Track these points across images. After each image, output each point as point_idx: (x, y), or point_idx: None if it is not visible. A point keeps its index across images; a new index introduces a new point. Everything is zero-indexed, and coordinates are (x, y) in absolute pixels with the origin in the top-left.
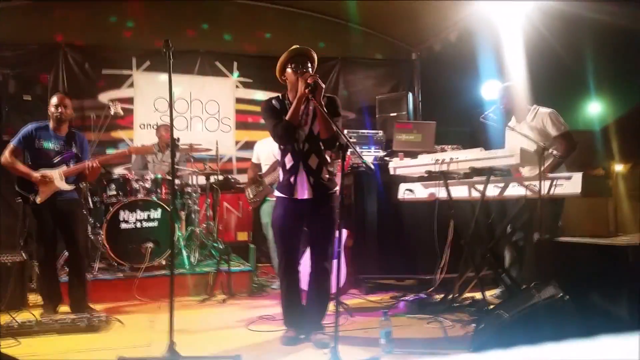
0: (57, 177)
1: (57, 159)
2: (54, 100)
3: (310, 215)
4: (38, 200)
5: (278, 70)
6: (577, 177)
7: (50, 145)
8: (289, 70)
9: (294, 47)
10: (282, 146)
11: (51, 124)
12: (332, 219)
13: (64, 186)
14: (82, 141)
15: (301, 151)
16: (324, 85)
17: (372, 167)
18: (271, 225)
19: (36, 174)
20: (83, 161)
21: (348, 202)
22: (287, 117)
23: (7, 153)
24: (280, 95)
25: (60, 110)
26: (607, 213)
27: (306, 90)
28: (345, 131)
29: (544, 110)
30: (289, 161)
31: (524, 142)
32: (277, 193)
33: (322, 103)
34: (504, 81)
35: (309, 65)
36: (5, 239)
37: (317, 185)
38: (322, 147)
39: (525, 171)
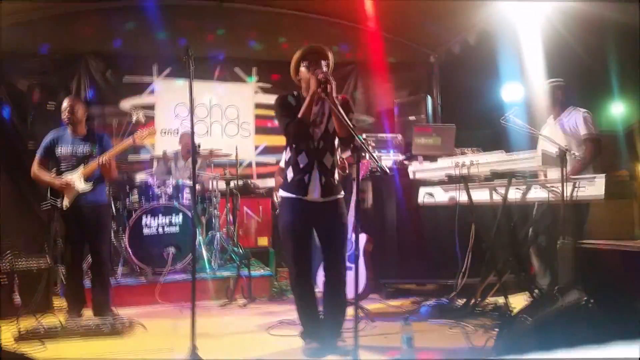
0: (77, 179)
1: (74, 161)
2: (63, 105)
3: (319, 219)
4: (65, 205)
5: (292, 69)
6: (601, 179)
7: (69, 149)
8: (302, 68)
9: (307, 45)
10: (294, 145)
11: (68, 128)
12: (342, 224)
13: (83, 186)
14: (101, 138)
15: (316, 149)
16: (334, 82)
17: (388, 171)
18: (280, 231)
19: (57, 181)
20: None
21: (363, 207)
22: (299, 115)
23: (35, 165)
24: (295, 92)
25: (67, 114)
26: (632, 216)
27: (318, 89)
28: (364, 135)
29: (579, 111)
30: (302, 160)
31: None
32: (283, 193)
33: (336, 100)
34: (524, 83)
35: (323, 63)
36: (32, 244)
37: (327, 186)
38: (337, 146)
39: (551, 174)
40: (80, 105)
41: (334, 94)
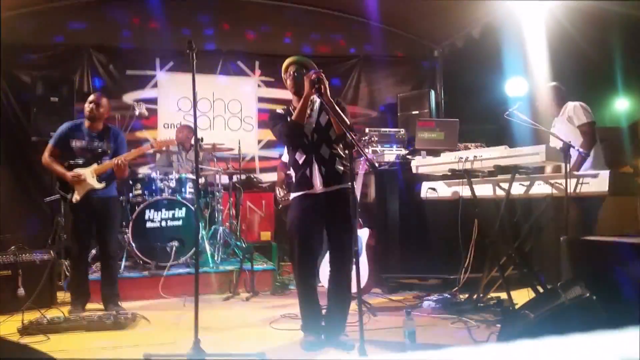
0: (89, 175)
1: (89, 157)
2: (90, 98)
3: (327, 212)
4: (74, 199)
5: (285, 84)
6: (604, 175)
7: (83, 143)
8: (287, 81)
9: (290, 58)
10: (290, 145)
11: (85, 122)
12: (348, 216)
13: (96, 184)
14: (117, 136)
15: (311, 143)
16: (326, 82)
17: (376, 165)
18: (288, 227)
19: (69, 174)
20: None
21: (365, 202)
22: (293, 117)
23: (46, 154)
24: (285, 106)
25: (91, 107)
26: (636, 212)
27: (312, 90)
28: (367, 129)
29: (572, 104)
30: (300, 156)
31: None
32: (293, 194)
33: (331, 99)
34: (528, 78)
35: (304, 71)
36: (35, 237)
37: (329, 175)
38: (334, 138)
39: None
40: (106, 102)
41: (328, 94)
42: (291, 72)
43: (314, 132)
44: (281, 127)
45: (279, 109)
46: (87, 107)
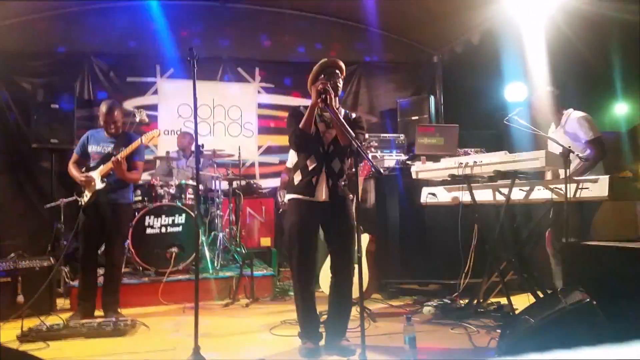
0: (96, 178)
1: (99, 160)
2: (102, 108)
3: (327, 220)
4: (83, 202)
5: (310, 82)
6: (604, 180)
7: (98, 148)
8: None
9: (325, 59)
10: (300, 153)
11: (104, 129)
12: (350, 224)
13: (99, 185)
14: (130, 139)
15: (326, 153)
16: (333, 93)
17: (381, 171)
18: (287, 231)
19: (80, 177)
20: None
21: (365, 207)
22: (300, 125)
23: (70, 162)
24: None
25: (105, 117)
26: (636, 216)
27: (318, 100)
28: (367, 135)
29: (576, 115)
30: (311, 163)
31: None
32: (290, 196)
33: (337, 109)
34: (528, 83)
35: (339, 75)
36: (35, 244)
37: (334, 189)
38: (348, 155)
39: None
40: (118, 108)
41: (334, 104)
42: (330, 74)
43: (331, 144)
44: (291, 135)
45: (302, 107)
46: (101, 118)
